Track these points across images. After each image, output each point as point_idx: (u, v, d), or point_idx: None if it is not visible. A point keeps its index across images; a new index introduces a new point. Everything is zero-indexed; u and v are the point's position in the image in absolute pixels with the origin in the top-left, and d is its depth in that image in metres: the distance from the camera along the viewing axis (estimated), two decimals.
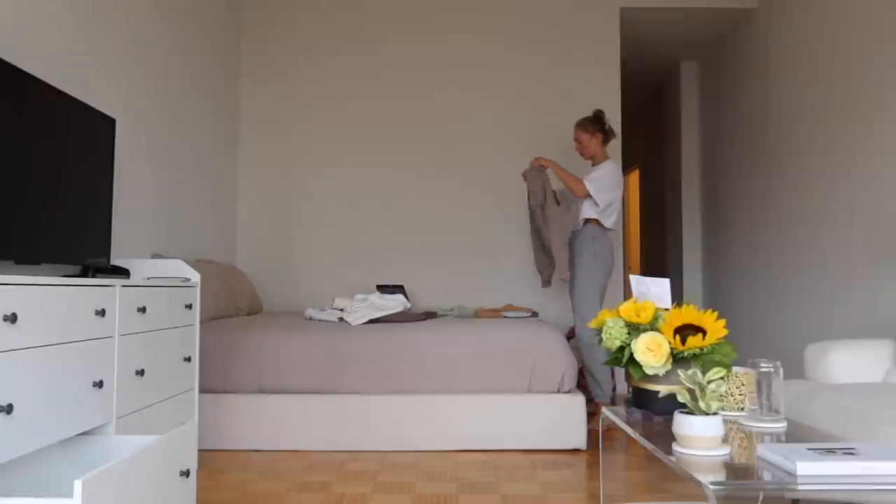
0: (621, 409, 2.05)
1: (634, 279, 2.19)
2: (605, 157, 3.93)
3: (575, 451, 3.24)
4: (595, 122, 3.92)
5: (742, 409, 1.95)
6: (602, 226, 3.84)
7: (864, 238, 3.60)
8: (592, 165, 3.97)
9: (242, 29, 5.05)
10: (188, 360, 2.74)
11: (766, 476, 1.36)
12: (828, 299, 3.95)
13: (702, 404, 1.55)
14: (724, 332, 1.84)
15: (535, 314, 4.21)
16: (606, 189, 3.80)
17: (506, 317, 3.99)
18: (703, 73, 6.03)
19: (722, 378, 1.58)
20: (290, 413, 3.24)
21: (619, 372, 4.88)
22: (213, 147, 4.47)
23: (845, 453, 1.38)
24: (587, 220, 3.85)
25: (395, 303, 3.68)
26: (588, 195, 3.79)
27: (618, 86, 4.99)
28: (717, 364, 1.82)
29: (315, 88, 5.02)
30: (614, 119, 4.98)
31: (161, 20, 3.68)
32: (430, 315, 3.88)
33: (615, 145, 4.97)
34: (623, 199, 4.78)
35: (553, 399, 3.25)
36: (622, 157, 5.13)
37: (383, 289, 4.16)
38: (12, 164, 2.09)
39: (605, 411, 2.06)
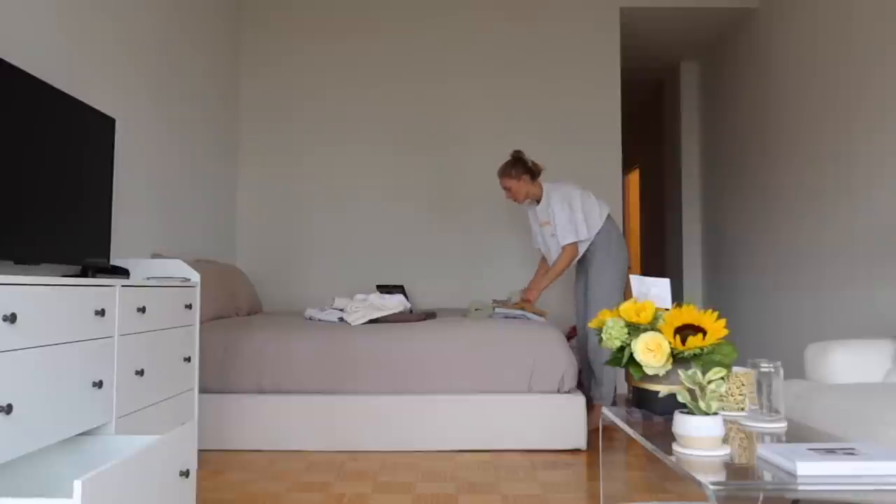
0: (621, 409, 2.05)
1: (634, 279, 2.19)
2: (540, 190, 3.81)
3: (575, 451, 3.24)
4: (516, 165, 3.78)
5: (742, 409, 1.95)
6: (608, 220, 3.79)
7: (864, 237, 3.60)
8: (532, 202, 3.90)
9: (242, 27, 5.05)
10: (188, 360, 2.74)
11: (766, 476, 1.36)
12: (828, 299, 3.95)
13: (702, 404, 1.55)
14: (724, 332, 1.84)
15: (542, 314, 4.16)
16: (577, 219, 3.70)
17: (525, 316, 3.83)
18: (703, 73, 6.03)
19: (722, 378, 1.58)
20: (290, 413, 3.24)
21: (620, 372, 4.88)
22: (213, 147, 4.47)
23: (845, 453, 1.38)
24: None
25: (395, 303, 3.68)
26: (578, 242, 3.72)
27: (618, 86, 4.99)
28: (717, 364, 1.81)
29: (315, 89, 5.02)
30: (614, 119, 4.98)
31: (160, 19, 3.68)
32: (429, 315, 3.88)
33: (608, 150, 4.97)
34: (623, 198, 4.73)
35: (553, 399, 3.25)
36: (622, 158, 5.12)
37: (383, 289, 4.16)
38: (12, 164, 2.09)
39: (605, 411, 2.06)
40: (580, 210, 3.71)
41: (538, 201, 3.86)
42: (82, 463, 1.94)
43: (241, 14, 5.04)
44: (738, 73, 5.24)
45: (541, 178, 3.87)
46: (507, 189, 3.82)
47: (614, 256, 3.75)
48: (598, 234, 3.77)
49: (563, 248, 3.72)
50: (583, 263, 3.89)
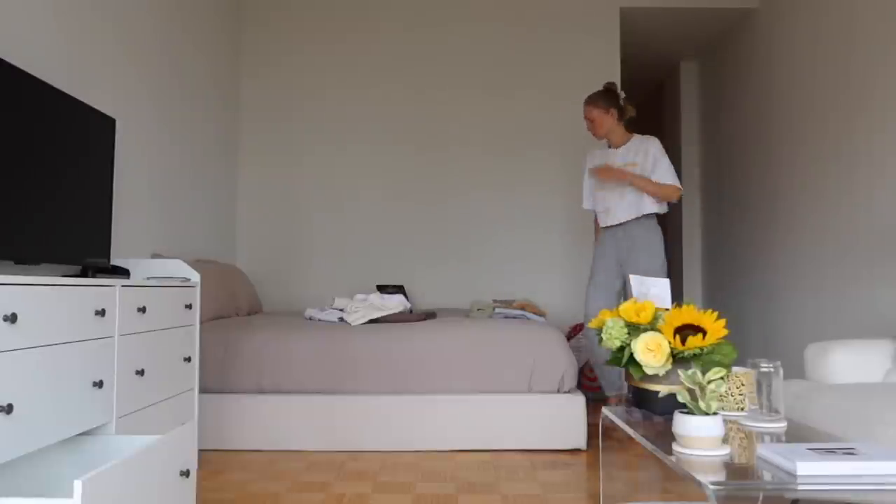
0: (621, 409, 2.05)
1: (634, 279, 2.19)
2: (627, 133, 3.62)
3: (575, 451, 3.24)
4: (607, 96, 3.58)
5: (742, 409, 1.95)
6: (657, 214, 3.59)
7: (865, 238, 3.60)
8: (609, 147, 3.67)
9: (243, 26, 5.05)
10: (188, 360, 2.74)
11: (766, 476, 1.36)
12: (828, 299, 3.95)
13: (702, 404, 1.55)
14: (724, 332, 1.84)
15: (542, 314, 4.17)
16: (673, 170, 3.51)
17: (525, 316, 3.80)
18: (703, 73, 6.03)
19: (722, 378, 1.58)
20: (290, 413, 3.24)
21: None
22: (213, 147, 4.47)
23: (845, 453, 1.38)
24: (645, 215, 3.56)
25: (395, 303, 3.68)
26: (676, 190, 3.48)
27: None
28: (717, 364, 1.81)
29: (315, 89, 5.02)
30: None
31: (160, 19, 3.68)
32: (429, 315, 3.88)
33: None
34: None
35: (553, 399, 3.25)
36: None
37: (383, 289, 4.16)
38: (12, 164, 2.09)
39: (605, 411, 2.06)
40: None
41: (610, 146, 3.66)
42: (82, 463, 1.94)
43: (241, 14, 5.04)
44: (738, 73, 5.23)
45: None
46: (590, 120, 3.61)
47: (658, 255, 3.53)
48: (645, 229, 3.54)
49: (667, 185, 3.48)
50: (616, 254, 3.62)
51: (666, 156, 3.53)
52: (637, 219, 3.55)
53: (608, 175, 3.48)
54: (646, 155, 3.55)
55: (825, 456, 1.36)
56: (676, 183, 3.49)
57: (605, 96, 3.58)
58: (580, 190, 4.96)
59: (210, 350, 3.28)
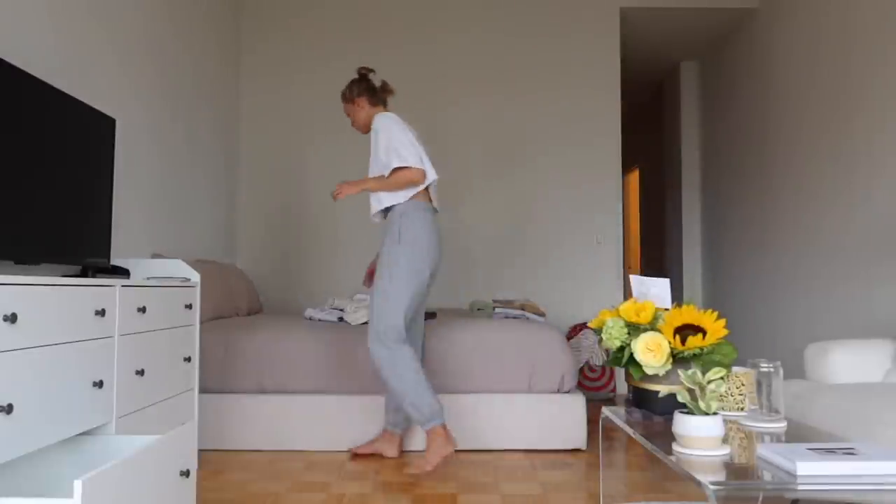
0: (621, 409, 2.05)
1: (634, 279, 2.19)
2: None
3: (575, 451, 3.24)
4: (351, 86, 3.03)
5: (742, 409, 1.95)
6: (421, 204, 2.91)
7: (864, 238, 3.60)
8: None
9: (242, 28, 5.05)
10: (188, 360, 2.74)
11: (766, 476, 1.36)
12: (828, 299, 3.95)
13: (702, 404, 1.55)
14: (724, 332, 1.84)
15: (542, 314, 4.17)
16: (401, 145, 2.83)
17: (525, 316, 3.77)
18: (703, 73, 6.03)
19: (722, 378, 1.58)
20: (290, 413, 3.23)
21: (619, 372, 4.88)
22: (213, 146, 4.47)
23: (845, 453, 1.38)
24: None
25: None
26: (404, 169, 2.82)
27: (618, 86, 4.99)
28: (717, 364, 1.82)
29: (315, 89, 5.02)
30: (614, 119, 4.98)
31: (161, 19, 3.68)
32: (430, 315, 3.88)
33: (607, 150, 4.97)
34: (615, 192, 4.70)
35: (553, 399, 3.25)
36: (622, 158, 5.13)
37: None
38: (12, 164, 2.09)
39: (605, 411, 2.06)
40: (410, 144, 2.86)
41: None
42: (82, 463, 1.94)
43: (242, 14, 5.04)
44: (738, 73, 5.24)
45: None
46: (348, 116, 3.10)
47: (408, 246, 2.83)
48: (398, 213, 2.88)
49: (392, 175, 2.84)
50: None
51: (387, 131, 2.86)
52: (384, 211, 3.00)
53: (339, 192, 2.87)
54: (374, 139, 2.93)
55: (825, 456, 1.36)
56: (398, 162, 2.81)
57: (349, 86, 3.04)
58: (578, 189, 4.97)
59: (210, 350, 3.28)
